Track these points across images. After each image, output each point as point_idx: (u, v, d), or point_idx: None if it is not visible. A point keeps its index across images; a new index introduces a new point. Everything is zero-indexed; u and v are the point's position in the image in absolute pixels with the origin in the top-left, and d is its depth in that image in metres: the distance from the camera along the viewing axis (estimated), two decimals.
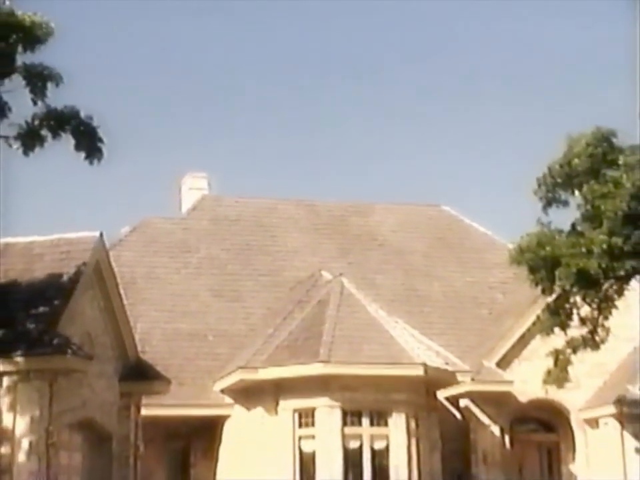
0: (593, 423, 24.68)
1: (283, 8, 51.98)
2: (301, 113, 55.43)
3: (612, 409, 23.79)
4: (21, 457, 15.48)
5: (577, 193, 18.84)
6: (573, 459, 25.22)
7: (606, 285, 18.80)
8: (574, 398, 24.33)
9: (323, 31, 55.13)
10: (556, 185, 18.89)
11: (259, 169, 52.10)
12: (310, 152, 54.66)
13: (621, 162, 18.14)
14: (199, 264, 27.64)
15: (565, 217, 19.28)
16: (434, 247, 30.08)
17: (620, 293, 19.13)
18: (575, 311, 19.31)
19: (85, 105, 15.13)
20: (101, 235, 18.26)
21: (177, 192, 31.33)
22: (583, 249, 17.95)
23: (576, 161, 18.47)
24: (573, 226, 19.06)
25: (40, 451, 15.59)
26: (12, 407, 15.70)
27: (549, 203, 19.11)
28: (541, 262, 18.51)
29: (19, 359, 15.70)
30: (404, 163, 54.07)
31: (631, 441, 23.75)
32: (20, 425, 15.61)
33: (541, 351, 22.18)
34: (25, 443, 15.52)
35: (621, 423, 23.83)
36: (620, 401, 23.63)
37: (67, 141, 15.00)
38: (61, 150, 15.16)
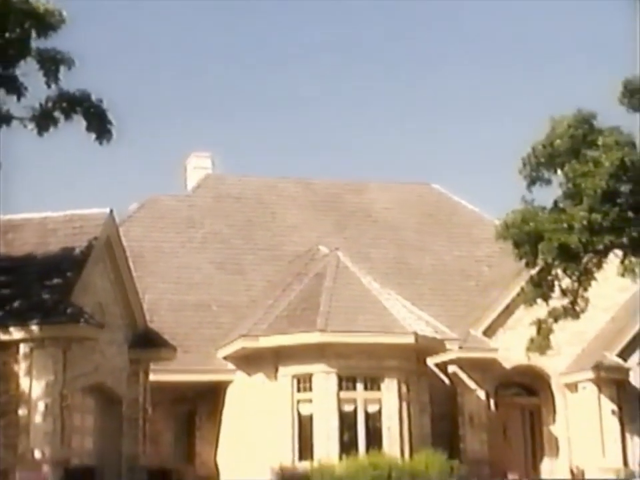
0: (572, 387, 24.80)
1: None
2: (298, 96, 55.30)
3: (590, 374, 23.90)
4: (37, 418, 15.60)
5: (559, 171, 18.86)
6: (554, 420, 25.36)
7: (586, 259, 18.88)
8: (555, 364, 24.43)
9: (319, 13, 54.89)
10: (539, 165, 18.90)
11: (260, 148, 52.10)
12: (308, 132, 54.56)
13: (600, 142, 18.14)
14: (203, 239, 27.63)
15: (548, 194, 19.36)
16: (424, 223, 30.08)
17: (599, 265, 19.20)
18: (556, 283, 19.40)
19: (95, 87, 15.13)
20: (111, 211, 18.29)
21: (182, 171, 31.30)
22: (565, 225, 18.01)
23: (558, 141, 18.48)
24: (555, 203, 19.11)
25: (55, 412, 15.72)
26: (28, 372, 15.81)
27: (532, 181, 19.13)
28: (525, 237, 18.56)
29: (35, 327, 15.79)
30: (397, 143, 54.04)
31: (607, 404, 23.90)
32: (36, 388, 15.71)
33: (524, 320, 22.28)
34: (40, 406, 15.65)
35: (599, 387, 23.96)
36: (597, 367, 23.75)
37: (79, 122, 14.98)
38: (73, 131, 15.17)
